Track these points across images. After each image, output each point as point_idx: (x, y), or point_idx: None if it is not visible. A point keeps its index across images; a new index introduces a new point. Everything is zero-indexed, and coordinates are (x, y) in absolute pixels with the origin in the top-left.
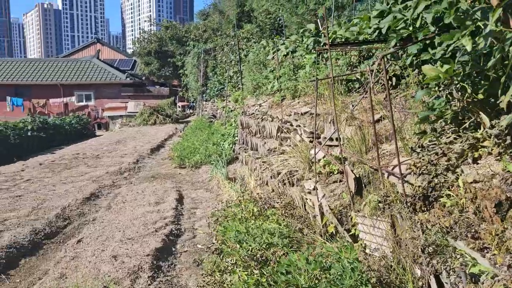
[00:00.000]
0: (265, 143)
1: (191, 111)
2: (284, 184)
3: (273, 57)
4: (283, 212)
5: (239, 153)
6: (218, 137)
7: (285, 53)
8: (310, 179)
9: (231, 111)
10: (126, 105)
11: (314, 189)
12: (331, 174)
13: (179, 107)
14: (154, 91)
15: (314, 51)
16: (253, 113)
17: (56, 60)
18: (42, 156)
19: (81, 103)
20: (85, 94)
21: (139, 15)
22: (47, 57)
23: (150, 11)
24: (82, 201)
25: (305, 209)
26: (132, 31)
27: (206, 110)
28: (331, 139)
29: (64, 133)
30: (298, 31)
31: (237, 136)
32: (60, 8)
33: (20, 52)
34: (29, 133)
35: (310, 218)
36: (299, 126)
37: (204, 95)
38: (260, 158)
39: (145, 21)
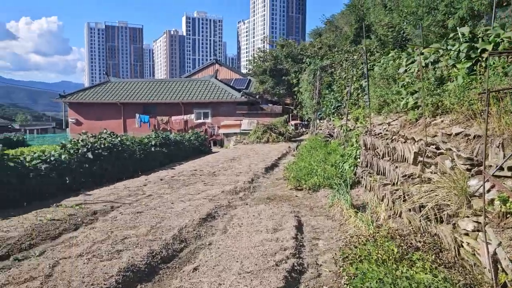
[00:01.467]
0: (396, 167)
1: (303, 129)
2: (429, 220)
3: (406, 69)
4: (433, 257)
5: (361, 177)
6: (336, 158)
7: (423, 65)
8: (467, 217)
9: (350, 130)
10: (240, 122)
11: (474, 230)
12: (508, 215)
13: (291, 125)
14: (267, 109)
15: (466, 60)
16: (380, 133)
17: (178, 80)
18: (163, 172)
19: (199, 120)
20: (203, 112)
21: (254, 37)
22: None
23: (264, 33)
24: (199, 222)
25: (459, 254)
26: (246, 52)
27: (320, 129)
28: (501, 168)
29: (183, 149)
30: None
31: (358, 158)
32: (184, 34)
33: (149, 75)
34: (152, 149)
35: (467, 267)
36: (450, 149)
37: (319, 113)
38: (389, 184)
39: (261, 40)
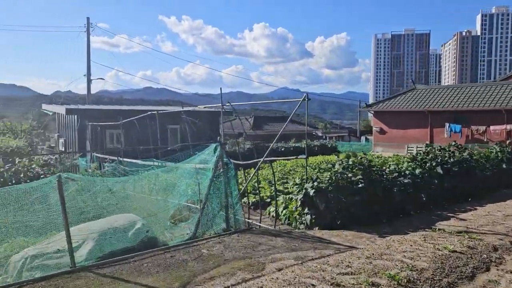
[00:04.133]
0: None
1: None
2: None
3: None
4: None
5: None
6: None
7: None
8: None
9: None
10: None
11: None
12: None
13: None
14: None
15: None
16: None
17: (498, 83)
18: None
19: None
20: None
21: None
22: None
23: None
24: None
25: None
26: None
27: None
28: None
29: None
30: None
31: None
32: (479, 33)
33: (434, 81)
34: (504, 166)
35: None
36: None
37: None
38: None
39: None
